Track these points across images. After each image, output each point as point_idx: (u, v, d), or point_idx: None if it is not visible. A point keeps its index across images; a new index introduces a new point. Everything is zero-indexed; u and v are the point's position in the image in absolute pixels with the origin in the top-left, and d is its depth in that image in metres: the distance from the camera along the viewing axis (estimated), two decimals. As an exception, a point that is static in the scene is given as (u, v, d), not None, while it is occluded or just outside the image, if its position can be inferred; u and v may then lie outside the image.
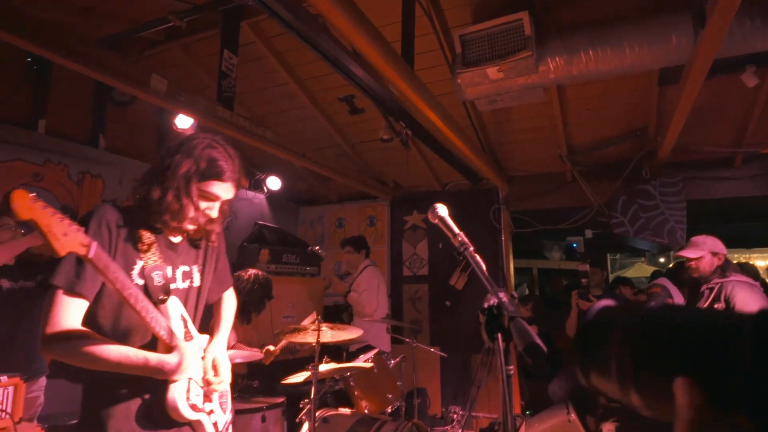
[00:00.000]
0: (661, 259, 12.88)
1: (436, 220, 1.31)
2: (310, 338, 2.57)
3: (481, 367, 4.76)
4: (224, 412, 1.55)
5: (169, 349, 1.32)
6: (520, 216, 5.16)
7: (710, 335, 0.41)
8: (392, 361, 3.46)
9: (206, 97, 3.15)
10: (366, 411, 3.10)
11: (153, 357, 1.28)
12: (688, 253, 2.96)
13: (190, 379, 1.42)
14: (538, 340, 0.73)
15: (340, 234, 5.93)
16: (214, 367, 1.52)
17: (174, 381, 1.35)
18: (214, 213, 1.45)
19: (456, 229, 1.26)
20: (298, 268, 4.87)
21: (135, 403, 1.33)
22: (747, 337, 0.38)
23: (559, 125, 4.03)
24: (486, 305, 0.83)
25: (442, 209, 1.31)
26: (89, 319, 1.28)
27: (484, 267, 1.09)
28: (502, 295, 0.84)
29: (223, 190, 1.43)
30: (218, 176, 1.40)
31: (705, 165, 4.20)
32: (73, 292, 1.23)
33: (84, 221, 1.28)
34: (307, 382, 2.59)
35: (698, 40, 2.28)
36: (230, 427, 1.57)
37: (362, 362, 3.09)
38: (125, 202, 1.42)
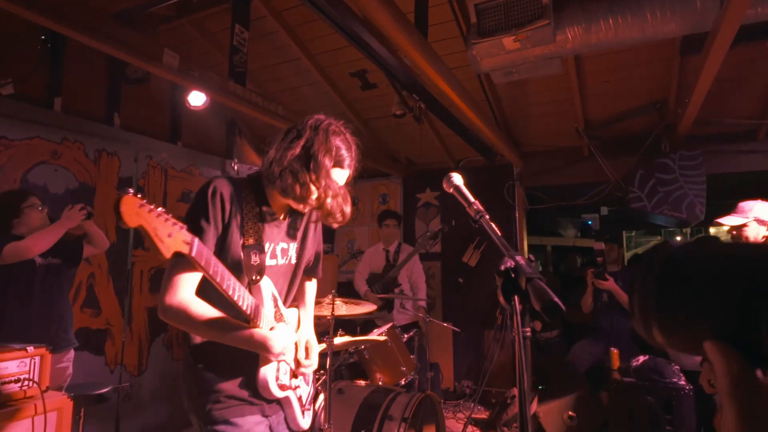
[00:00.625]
0: (678, 238, 12.71)
1: (451, 189, 1.31)
2: (325, 311, 2.61)
3: (494, 342, 4.80)
4: (307, 384, 1.62)
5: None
6: (534, 192, 5.12)
7: (740, 268, 0.39)
8: (405, 336, 3.50)
9: (218, 74, 3.15)
10: (380, 383, 3.15)
11: (257, 332, 1.33)
12: (729, 221, 2.61)
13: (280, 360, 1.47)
14: (556, 299, 0.73)
15: (353, 212, 5.94)
16: (306, 349, 1.58)
17: (269, 361, 1.41)
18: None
19: (471, 198, 1.25)
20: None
21: (238, 377, 1.40)
22: None
23: (576, 98, 3.94)
24: (503, 267, 0.82)
25: (457, 178, 1.30)
26: (202, 290, 1.33)
27: (499, 234, 1.08)
28: (519, 258, 0.84)
29: (342, 176, 1.44)
30: (340, 164, 1.42)
31: (727, 138, 4.09)
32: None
33: (200, 196, 1.34)
34: (322, 355, 2.63)
35: (724, 5, 2.19)
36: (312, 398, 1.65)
37: (376, 336, 3.13)
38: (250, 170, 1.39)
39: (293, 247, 1.56)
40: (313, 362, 1.58)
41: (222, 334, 1.31)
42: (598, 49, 2.91)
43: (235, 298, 1.27)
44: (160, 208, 1.10)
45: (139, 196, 1.06)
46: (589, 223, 7.98)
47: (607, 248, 4.20)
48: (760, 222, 2.52)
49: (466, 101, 3.21)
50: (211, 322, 1.29)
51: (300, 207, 1.42)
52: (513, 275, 0.81)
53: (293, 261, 1.56)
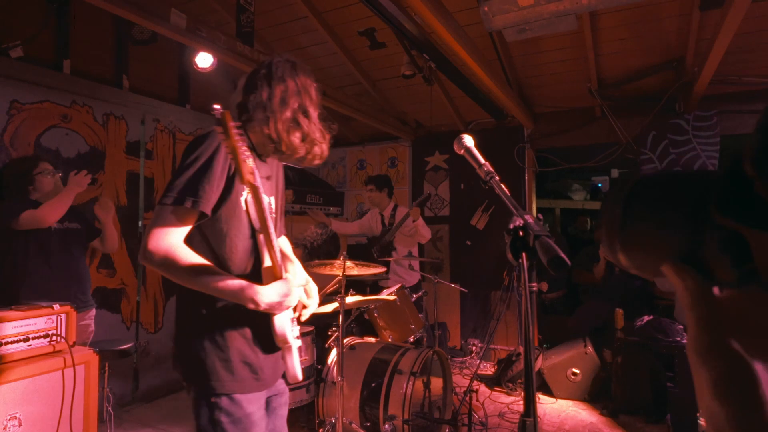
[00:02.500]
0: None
1: (462, 151, 1.31)
2: (336, 271, 2.68)
3: (500, 302, 4.90)
4: (299, 337, 1.58)
5: (275, 279, 1.33)
6: (544, 154, 5.07)
7: (688, 186, 0.40)
8: (414, 295, 3.58)
9: (225, 34, 3.10)
10: (390, 340, 3.26)
11: (247, 286, 1.26)
12: None
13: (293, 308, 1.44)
14: (562, 254, 0.76)
15: (362, 175, 5.95)
16: (306, 291, 1.53)
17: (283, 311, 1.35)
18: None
19: (482, 159, 1.26)
20: (321, 209, 4.96)
21: (249, 329, 1.36)
22: (715, 185, 0.38)
23: (591, 56, 3.84)
24: (511, 226, 0.85)
25: (468, 139, 1.31)
26: (199, 242, 1.32)
27: (508, 194, 1.10)
28: (527, 217, 0.87)
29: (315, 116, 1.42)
30: (315, 105, 1.40)
31: (743, 97, 3.99)
32: (189, 209, 1.24)
33: (199, 143, 1.29)
34: (334, 313, 2.73)
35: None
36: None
37: (386, 295, 3.22)
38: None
39: (273, 200, 1.53)
40: (315, 302, 1.54)
41: (209, 283, 1.24)
42: (615, 3, 2.81)
43: (274, 243, 1.28)
44: (240, 131, 1.15)
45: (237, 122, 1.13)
46: (599, 185, 7.92)
47: None
48: None
49: (478, 60, 3.15)
50: (199, 269, 1.23)
51: (280, 154, 1.38)
52: (521, 233, 0.84)
53: (275, 214, 1.53)
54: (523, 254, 0.83)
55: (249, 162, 1.17)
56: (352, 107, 4.52)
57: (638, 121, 4.27)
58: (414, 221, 3.94)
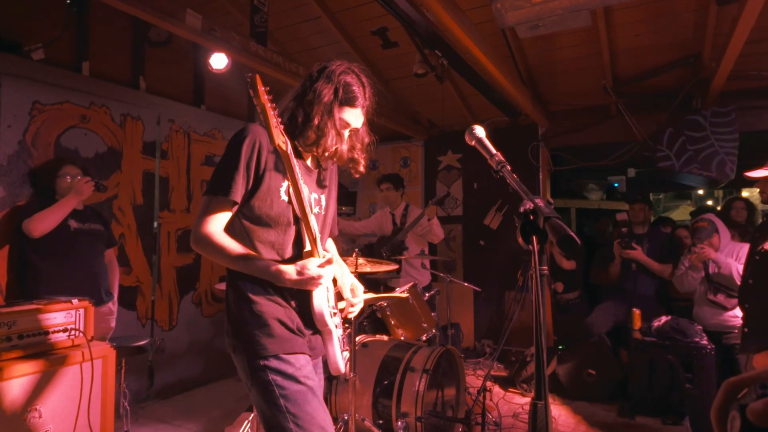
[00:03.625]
0: (709, 202, 12.31)
1: (474, 142, 1.31)
2: (349, 268, 2.68)
3: (514, 302, 4.85)
4: (340, 328, 1.63)
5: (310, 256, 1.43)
6: (559, 153, 5.02)
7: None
8: (427, 294, 3.57)
9: (239, 34, 3.14)
10: (402, 338, 3.26)
11: (272, 264, 1.37)
12: (756, 173, 2.50)
13: (328, 289, 1.51)
14: (572, 233, 0.75)
15: (374, 176, 5.95)
16: (352, 290, 1.65)
17: (317, 288, 1.42)
18: (344, 140, 1.50)
19: (493, 150, 1.26)
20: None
21: (286, 301, 1.45)
22: None
23: (605, 53, 3.80)
24: (522, 209, 0.84)
25: (479, 130, 1.31)
26: (239, 229, 1.44)
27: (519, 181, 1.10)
28: (537, 200, 0.86)
29: (354, 116, 1.49)
30: (351, 102, 1.45)
31: (763, 92, 3.90)
32: (222, 199, 1.38)
33: (238, 138, 1.40)
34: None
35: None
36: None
37: (398, 293, 3.21)
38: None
39: (323, 198, 1.62)
40: (361, 300, 1.65)
41: (246, 265, 1.38)
42: (630, -1, 2.78)
43: (305, 208, 1.39)
44: (273, 102, 1.29)
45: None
46: (616, 185, 7.81)
47: (637, 208, 4.14)
48: None
49: (491, 57, 3.14)
50: (234, 252, 1.37)
51: (318, 153, 1.46)
52: (532, 217, 0.83)
53: (323, 212, 1.61)
54: (534, 237, 0.82)
55: (278, 128, 1.30)
56: (365, 107, 4.53)
57: (654, 119, 4.20)
58: (429, 220, 3.93)
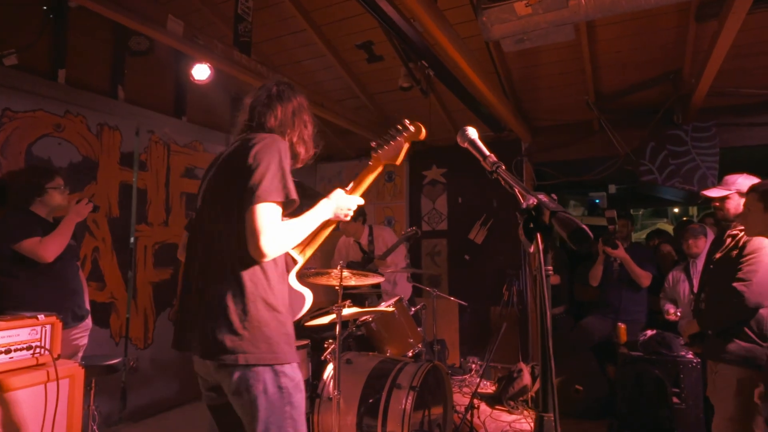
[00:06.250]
0: (684, 218, 12.57)
1: (466, 144, 1.27)
2: (333, 281, 2.60)
3: (500, 317, 4.80)
4: None
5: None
6: (542, 168, 5.05)
7: None
8: (413, 309, 3.49)
9: (222, 43, 3.09)
10: (388, 354, 3.16)
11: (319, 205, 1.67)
12: (712, 192, 2.60)
13: None
14: (584, 226, 0.70)
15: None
16: None
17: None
18: None
19: (486, 151, 1.22)
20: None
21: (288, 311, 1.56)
22: None
23: (588, 69, 3.85)
24: (524, 205, 0.79)
25: (472, 131, 1.27)
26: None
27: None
28: (541, 195, 0.81)
29: None
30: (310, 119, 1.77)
31: (741, 110, 4.00)
32: (287, 201, 1.50)
33: (269, 148, 1.49)
34: (331, 326, 2.64)
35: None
36: None
37: (384, 307, 3.13)
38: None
39: None
40: None
41: (313, 222, 1.63)
42: (612, 12, 2.81)
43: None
44: None
45: None
46: (597, 201, 7.91)
47: (620, 224, 4.16)
48: (741, 195, 2.48)
49: (477, 71, 3.14)
50: (300, 224, 1.56)
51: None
52: (534, 213, 0.78)
53: None
54: (538, 235, 0.77)
55: None
56: (350, 120, 4.50)
57: (636, 134, 4.26)
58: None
